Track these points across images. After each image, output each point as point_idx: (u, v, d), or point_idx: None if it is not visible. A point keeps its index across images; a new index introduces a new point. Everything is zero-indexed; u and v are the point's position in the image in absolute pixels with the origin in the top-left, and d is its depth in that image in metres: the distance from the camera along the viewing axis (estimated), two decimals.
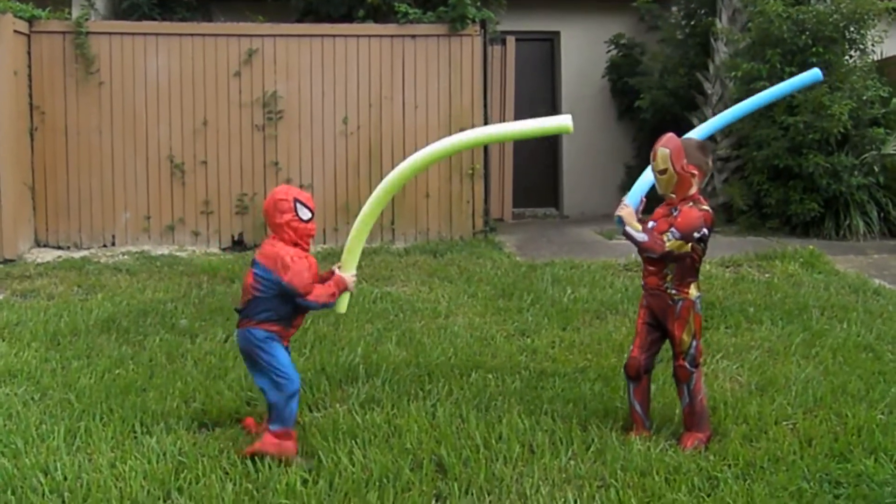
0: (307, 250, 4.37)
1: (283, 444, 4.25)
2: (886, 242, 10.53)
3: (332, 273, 4.52)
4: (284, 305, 4.30)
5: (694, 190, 4.53)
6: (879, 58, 11.99)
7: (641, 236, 4.45)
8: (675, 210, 4.51)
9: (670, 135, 4.63)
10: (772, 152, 10.97)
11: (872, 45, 11.54)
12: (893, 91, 11.45)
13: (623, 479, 4.07)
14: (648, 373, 4.73)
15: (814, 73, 5.55)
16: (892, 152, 10.86)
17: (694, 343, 4.55)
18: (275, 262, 4.23)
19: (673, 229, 4.41)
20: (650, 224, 4.60)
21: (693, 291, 4.56)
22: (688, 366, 4.54)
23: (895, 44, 12.14)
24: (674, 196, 4.56)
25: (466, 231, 10.94)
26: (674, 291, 4.54)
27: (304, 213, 4.32)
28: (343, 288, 4.45)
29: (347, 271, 4.55)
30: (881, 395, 5.17)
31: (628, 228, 4.48)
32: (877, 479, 4.07)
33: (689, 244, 4.43)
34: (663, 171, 4.51)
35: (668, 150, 4.48)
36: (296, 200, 4.30)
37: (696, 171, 4.51)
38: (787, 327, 6.67)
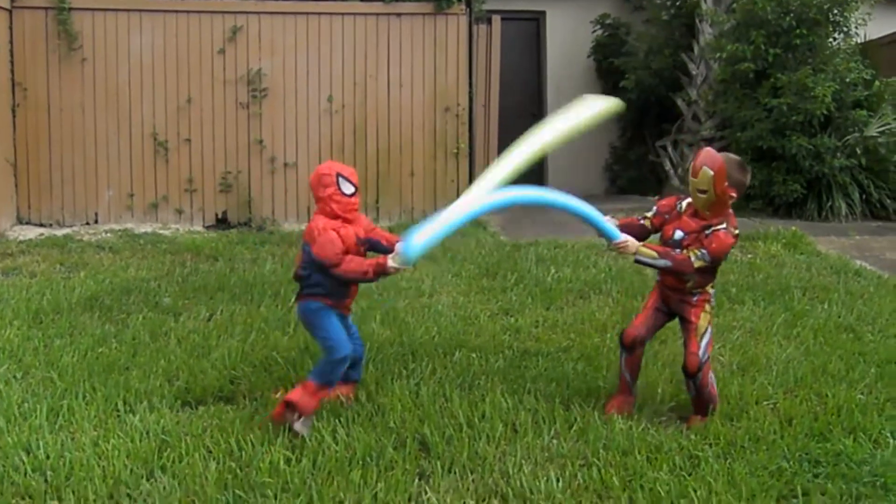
0: (351, 222, 4.47)
1: (307, 398, 4.37)
2: (868, 224, 10.60)
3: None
4: (328, 277, 4.43)
5: (727, 209, 4.51)
6: (863, 40, 12.04)
7: (664, 262, 4.47)
8: (709, 230, 4.46)
9: (712, 152, 4.48)
10: (756, 133, 11.01)
11: (856, 27, 11.59)
12: (876, 73, 11.51)
13: (605, 457, 4.10)
14: (643, 345, 4.77)
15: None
16: (874, 134, 10.91)
17: (709, 331, 4.57)
18: (310, 235, 4.42)
19: (705, 252, 4.41)
20: (678, 234, 4.56)
21: (710, 289, 4.63)
22: (700, 356, 4.51)
23: (878, 26, 12.16)
24: (708, 213, 4.50)
25: None
26: (694, 292, 4.59)
27: (347, 188, 4.44)
28: (380, 272, 4.38)
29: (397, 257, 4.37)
30: (861, 376, 5.21)
31: (646, 260, 4.49)
32: (855, 458, 4.11)
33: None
34: (703, 191, 4.43)
35: (711, 172, 4.37)
36: (338, 175, 4.43)
37: (734, 194, 4.44)
38: (769, 308, 6.71)
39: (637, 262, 4.55)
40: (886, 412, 4.68)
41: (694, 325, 4.57)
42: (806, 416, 4.63)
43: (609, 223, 4.57)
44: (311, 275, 4.45)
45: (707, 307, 4.60)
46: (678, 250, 4.50)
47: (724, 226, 4.46)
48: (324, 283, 4.44)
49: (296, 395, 4.37)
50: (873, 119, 11.06)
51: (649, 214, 4.76)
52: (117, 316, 6.35)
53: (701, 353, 4.53)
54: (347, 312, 4.68)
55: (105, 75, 10.40)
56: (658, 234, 4.72)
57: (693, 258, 4.42)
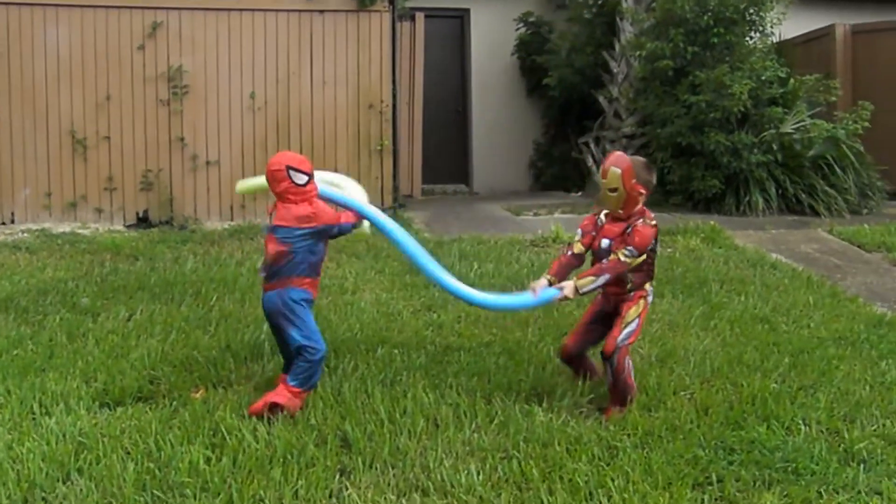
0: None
1: (294, 400, 4.49)
2: (784, 218, 10.84)
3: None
4: (315, 255, 4.58)
5: (640, 206, 4.75)
6: (778, 39, 12.32)
7: (603, 278, 4.63)
8: (629, 228, 4.69)
9: (620, 154, 4.83)
10: (675, 130, 11.19)
11: (771, 26, 11.83)
12: (791, 71, 11.78)
13: (525, 450, 4.15)
14: (580, 356, 5.05)
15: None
16: (789, 131, 11.15)
17: (636, 322, 4.73)
18: (298, 220, 4.49)
19: (630, 248, 4.62)
20: (604, 243, 4.78)
21: (648, 286, 4.82)
22: (618, 340, 4.66)
23: (793, 26, 12.46)
24: (621, 212, 4.74)
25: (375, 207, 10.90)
26: (633, 288, 4.78)
27: (300, 178, 4.51)
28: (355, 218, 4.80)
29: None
30: (775, 365, 5.35)
31: (590, 287, 4.64)
32: (769, 445, 4.23)
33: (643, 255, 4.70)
34: (614, 189, 4.69)
35: (619, 170, 4.66)
36: (288, 168, 4.49)
37: (643, 191, 4.72)
38: (688, 300, 6.84)
39: (584, 294, 4.71)
40: (799, 400, 4.82)
41: (622, 316, 4.74)
42: (722, 405, 4.74)
43: (541, 288, 4.75)
44: (296, 255, 4.50)
45: (641, 302, 4.77)
46: (604, 260, 4.71)
47: (641, 220, 4.69)
48: (309, 261, 4.55)
49: (281, 397, 4.47)
50: (788, 116, 11.30)
51: (577, 238, 4.95)
52: (33, 317, 6.23)
53: (620, 338, 4.67)
54: (315, 297, 4.77)
55: (20, 71, 10.15)
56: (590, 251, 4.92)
57: (622, 257, 4.62)
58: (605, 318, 4.86)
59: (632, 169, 4.67)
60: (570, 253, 4.90)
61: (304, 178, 4.52)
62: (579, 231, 4.97)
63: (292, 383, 4.53)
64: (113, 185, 10.40)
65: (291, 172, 4.48)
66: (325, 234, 4.62)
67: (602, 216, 4.89)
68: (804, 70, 12.20)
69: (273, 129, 10.72)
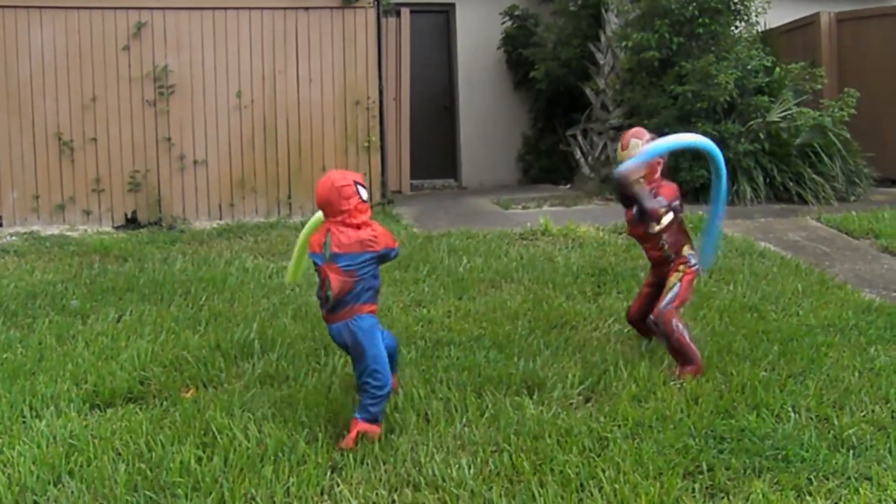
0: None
1: (370, 428, 4.22)
2: (772, 206, 10.86)
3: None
4: (377, 279, 4.31)
5: (657, 175, 5.18)
6: (763, 28, 12.33)
7: (641, 195, 5.07)
8: (654, 192, 5.11)
9: (639, 129, 5.29)
10: (662, 121, 11.19)
11: (756, 15, 11.84)
12: (777, 60, 11.79)
13: (516, 443, 4.15)
14: (642, 321, 5.50)
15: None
16: (776, 119, 11.18)
17: (678, 286, 5.16)
18: (361, 245, 4.15)
19: (660, 198, 5.08)
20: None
21: (686, 250, 5.24)
22: (661, 306, 5.12)
23: (778, 14, 12.48)
24: (642, 181, 5.12)
25: None
26: (672, 255, 5.23)
27: (364, 194, 4.25)
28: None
29: None
30: (764, 353, 5.36)
31: (640, 190, 5.09)
32: (758, 433, 4.24)
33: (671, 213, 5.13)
34: None
35: (640, 141, 5.10)
36: (356, 183, 4.21)
37: (661, 159, 5.18)
38: None
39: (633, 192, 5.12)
40: (788, 388, 4.83)
41: (668, 282, 5.21)
42: (712, 394, 4.75)
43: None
44: (366, 283, 4.20)
45: (682, 268, 5.20)
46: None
47: (663, 183, 5.20)
48: (373, 286, 4.26)
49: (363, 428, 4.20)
50: (775, 105, 11.32)
51: None
52: (23, 321, 6.22)
53: (663, 304, 5.13)
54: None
55: (5, 74, 10.13)
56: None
57: (653, 205, 5.09)
58: (659, 286, 5.30)
59: (651, 140, 5.09)
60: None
61: (366, 193, 4.27)
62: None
63: (360, 418, 4.21)
64: (101, 186, 10.39)
65: (359, 188, 4.21)
66: (385, 258, 4.30)
67: None
68: (790, 58, 12.24)
69: (260, 127, 10.71)
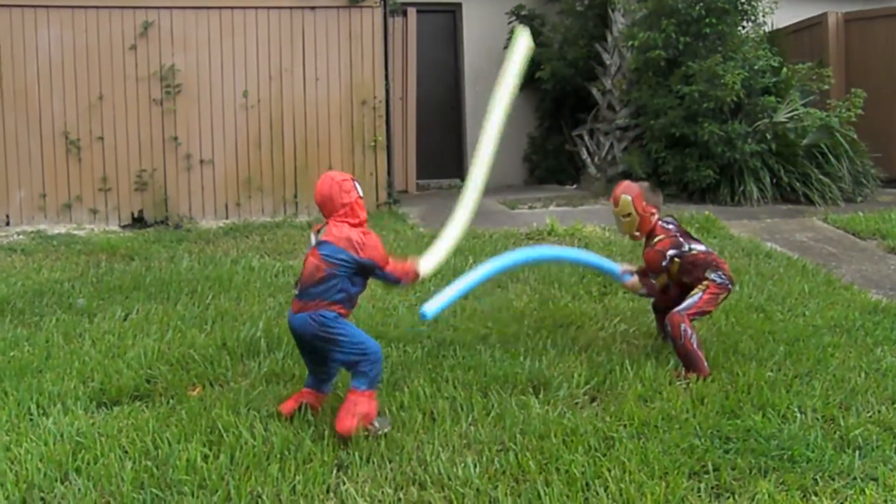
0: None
1: (368, 405, 4.25)
2: (778, 207, 10.86)
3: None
4: (354, 286, 4.34)
5: (653, 223, 5.33)
6: (770, 28, 12.31)
7: (648, 286, 5.46)
8: (653, 241, 5.32)
9: (627, 182, 5.46)
10: (668, 121, 11.20)
11: (763, 16, 11.83)
12: (784, 60, 11.78)
13: (522, 442, 4.16)
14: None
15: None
16: (783, 120, 11.16)
17: (699, 295, 5.21)
18: (348, 243, 4.24)
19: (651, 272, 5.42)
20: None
21: (711, 276, 5.26)
22: (678, 308, 5.18)
23: (785, 15, 12.46)
24: (638, 234, 5.35)
25: (370, 203, 10.91)
26: (692, 286, 5.32)
27: (360, 190, 4.40)
28: (415, 279, 4.63)
29: (423, 264, 4.75)
30: (770, 354, 5.37)
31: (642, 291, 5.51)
32: (764, 433, 4.24)
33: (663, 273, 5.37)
34: (627, 215, 5.29)
35: (630, 197, 5.26)
36: (353, 179, 4.38)
37: (654, 210, 5.33)
38: None
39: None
40: (794, 388, 4.84)
41: (691, 291, 5.30)
42: (717, 394, 4.75)
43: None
44: (339, 282, 4.26)
45: (706, 282, 5.24)
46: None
47: (660, 237, 5.31)
48: (348, 290, 4.31)
49: (363, 407, 4.24)
50: (782, 105, 11.31)
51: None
52: (30, 319, 6.24)
53: (680, 307, 5.19)
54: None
55: (13, 73, 10.15)
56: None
57: (651, 279, 5.46)
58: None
59: (641, 194, 5.27)
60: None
61: (362, 191, 4.41)
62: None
63: (358, 388, 4.27)
64: (107, 185, 10.40)
65: (356, 184, 4.36)
66: (368, 270, 4.35)
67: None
68: (797, 59, 12.24)
69: (266, 126, 10.72)
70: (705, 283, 5.22)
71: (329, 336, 4.26)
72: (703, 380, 4.94)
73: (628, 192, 5.29)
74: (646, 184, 5.59)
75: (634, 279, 5.52)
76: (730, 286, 5.33)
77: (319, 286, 4.25)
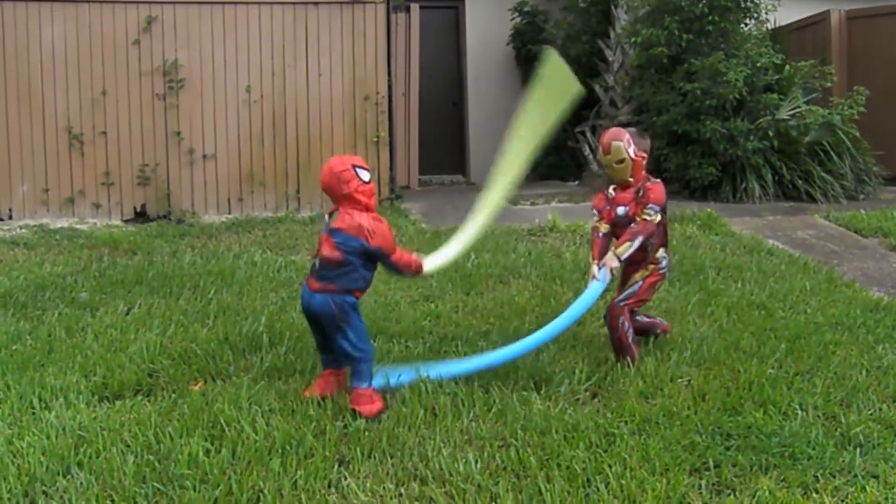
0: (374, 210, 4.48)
1: (369, 404, 4.42)
2: (780, 204, 10.85)
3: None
4: (369, 271, 4.47)
5: (643, 172, 5.21)
6: (773, 26, 12.31)
7: (637, 242, 5.02)
8: (641, 191, 5.13)
9: (614, 129, 5.30)
10: (671, 118, 11.20)
11: (766, 13, 11.82)
12: (786, 58, 11.77)
13: (523, 438, 4.16)
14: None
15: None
16: (785, 117, 11.16)
17: (639, 285, 5.16)
18: (359, 230, 4.33)
19: (651, 205, 5.06)
20: (620, 210, 5.20)
21: (661, 252, 5.23)
22: (616, 299, 5.17)
23: (787, 12, 12.45)
24: (631, 180, 5.17)
25: None
26: (652, 255, 5.21)
27: (365, 175, 4.41)
28: (415, 271, 4.67)
29: (428, 262, 4.84)
30: (771, 351, 5.36)
31: (628, 252, 5.01)
32: (765, 430, 4.24)
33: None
34: (621, 161, 5.13)
35: (621, 143, 5.11)
36: (354, 167, 4.38)
37: (645, 154, 5.21)
38: (685, 288, 6.85)
39: (625, 259, 5.08)
40: (795, 385, 4.83)
41: (631, 278, 5.22)
42: (719, 391, 4.75)
43: (595, 281, 5.09)
44: (357, 269, 4.38)
45: (650, 267, 5.19)
46: (632, 225, 5.10)
47: (648, 181, 5.17)
48: (365, 277, 4.44)
49: (363, 409, 4.39)
50: (784, 102, 11.30)
51: (596, 220, 5.33)
52: (32, 313, 6.25)
53: (619, 298, 5.17)
54: None
55: (16, 67, 10.16)
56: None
57: (647, 217, 5.06)
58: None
59: (631, 138, 5.14)
60: (600, 235, 5.25)
61: (368, 176, 4.42)
62: (595, 212, 5.35)
63: (357, 386, 4.45)
64: (110, 179, 10.42)
65: (358, 171, 4.37)
66: (376, 258, 4.44)
67: (611, 190, 5.30)
68: (800, 56, 12.22)
69: (269, 121, 10.73)
70: (650, 267, 5.19)
71: (344, 325, 4.41)
72: (704, 376, 4.94)
73: (618, 137, 5.16)
74: (632, 129, 5.47)
75: (609, 256, 5.08)
76: (667, 273, 5.36)
77: (338, 270, 4.37)
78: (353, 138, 10.93)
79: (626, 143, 5.11)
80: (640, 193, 5.13)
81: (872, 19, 12.95)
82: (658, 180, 5.21)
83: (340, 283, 4.38)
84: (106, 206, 10.45)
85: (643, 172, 5.21)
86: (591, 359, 5.21)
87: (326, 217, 4.51)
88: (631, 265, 5.24)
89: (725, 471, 3.88)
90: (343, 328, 4.42)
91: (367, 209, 4.40)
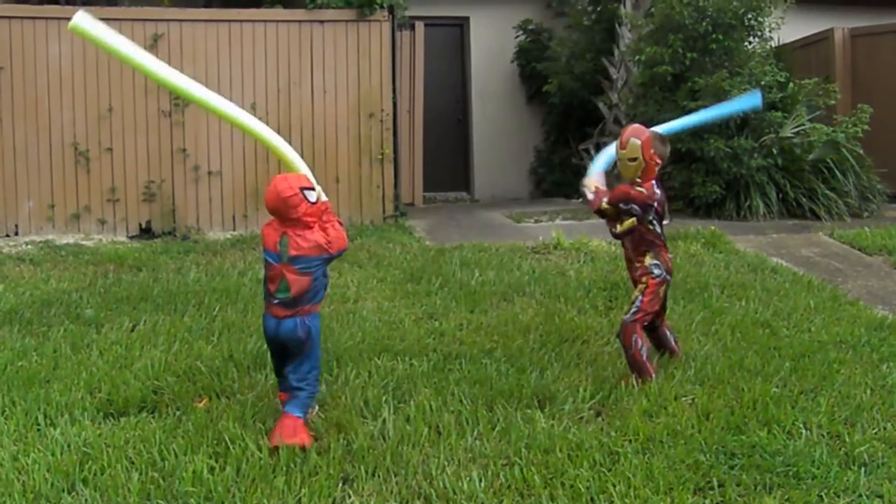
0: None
1: (304, 435, 4.34)
2: (784, 222, 10.85)
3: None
4: (326, 277, 4.55)
5: (653, 176, 5.23)
6: (777, 44, 12.34)
7: (589, 195, 5.36)
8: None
9: (638, 126, 5.29)
10: (675, 136, 11.18)
11: (770, 31, 11.85)
12: (790, 76, 11.79)
13: (527, 456, 4.17)
14: (655, 333, 5.52)
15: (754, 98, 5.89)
16: (789, 135, 11.17)
17: (640, 299, 5.20)
18: (318, 248, 4.36)
19: (633, 205, 5.19)
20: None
21: (648, 260, 5.25)
22: (624, 318, 5.21)
23: (791, 30, 12.49)
24: (639, 181, 5.19)
25: (377, 216, 10.98)
26: (633, 257, 5.32)
27: (312, 196, 4.38)
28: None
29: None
30: (776, 370, 5.36)
31: (584, 189, 5.36)
32: (769, 449, 4.24)
33: (632, 218, 5.21)
34: (634, 159, 5.14)
35: (639, 141, 5.11)
36: (301, 189, 4.34)
37: (659, 161, 5.23)
38: (689, 306, 6.84)
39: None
40: (800, 404, 4.83)
41: (633, 295, 5.29)
42: (723, 410, 4.75)
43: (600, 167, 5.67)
44: (316, 282, 4.40)
45: (644, 279, 5.25)
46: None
47: (643, 188, 5.20)
48: (325, 284, 4.51)
49: (298, 438, 4.27)
50: (788, 120, 11.31)
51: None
52: (38, 329, 6.27)
53: (626, 316, 5.21)
54: None
55: (23, 84, 10.21)
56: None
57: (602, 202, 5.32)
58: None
59: (650, 140, 5.13)
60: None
61: (314, 195, 4.38)
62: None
63: (294, 413, 4.36)
64: (116, 196, 10.45)
65: (305, 192, 4.33)
66: (333, 258, 4.52)
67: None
68: (803, 74, 12.23)
69: None
70: (644, 279, 5.23)
71: (308, 351, 4.42)
72: (708, 395, 4.94)
73: (638, 135, 5.15)
74: (656, 131, 5.42)
75: (593, 182, 5.46)
76: (668, 277, 5.35)
77: (310, 292, 4.39)
78: (357, 155, 10.96)
79: (644, 143, 5.11)
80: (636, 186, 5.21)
81: (876, 37, 12.97)
82: (640, 189, 5.19)
83: (311, 303, 4.41)
84: (111, 223, 10.47)
85: (652, 180, 5.23)
86: (595, 377, 5.21)
87: (274, 248, 4.37)
88: (631, 280, 5.41)
89: (729, 490, 3.89)
90: (307, 354, 4.41)
91: (314, 228, 4.38)
